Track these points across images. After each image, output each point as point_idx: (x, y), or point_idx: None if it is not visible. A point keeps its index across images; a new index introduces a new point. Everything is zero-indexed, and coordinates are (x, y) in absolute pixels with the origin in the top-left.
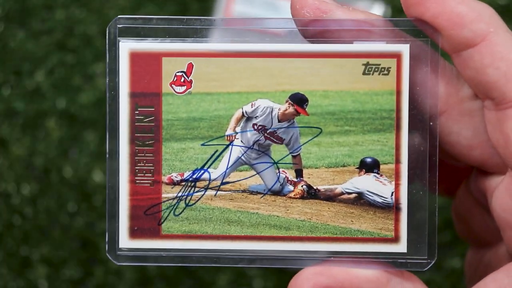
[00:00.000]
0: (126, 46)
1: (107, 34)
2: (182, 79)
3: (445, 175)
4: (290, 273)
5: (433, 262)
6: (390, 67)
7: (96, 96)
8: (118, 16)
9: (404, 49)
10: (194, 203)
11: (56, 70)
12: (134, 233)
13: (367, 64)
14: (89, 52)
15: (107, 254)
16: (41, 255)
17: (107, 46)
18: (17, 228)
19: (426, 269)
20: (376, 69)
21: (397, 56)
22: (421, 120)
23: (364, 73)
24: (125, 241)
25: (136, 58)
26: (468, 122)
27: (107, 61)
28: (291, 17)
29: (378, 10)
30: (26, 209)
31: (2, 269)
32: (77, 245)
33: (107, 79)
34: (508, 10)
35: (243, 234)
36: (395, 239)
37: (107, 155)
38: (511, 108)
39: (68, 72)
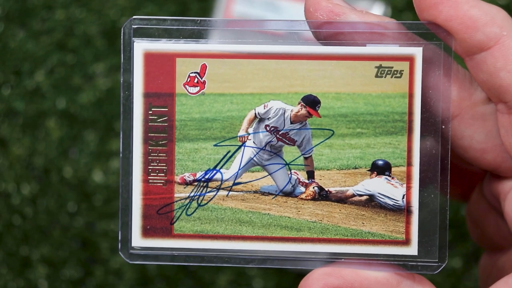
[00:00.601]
0: (141, 47)
1: (121, 34)
2: (196, 80)
3: (459, 179)
4: (290, 274)
5: (444, 265)
6: (403, 70)
7: (96, 96)
8: (133, 17)
9: (417, 52)
10: (206, 203)
11: (56, 70)
12: (147, 232)
13: (379, 67)
14: (89, 52)
15: (119, 253)
16: (41, 255)
17: (121, 46)
18: (17, 228)
19: (436, 272)
20: (389, 72)
21: (410, 59)
22: (433, 123)
23: (376, 76)
24: (137, 240)
25: (150, 58)
26: (481, 126)
27: (122, 61)
28: (291, 18)
29: (378, 10)
30: (26, 209)
31: (2, 269)
32: (77, 245)
33: (121, 79)
34: (508, 10)
35: (254, 235)
36: (406, 242)
37: (121, 155)
38: None
39: (68, 72)
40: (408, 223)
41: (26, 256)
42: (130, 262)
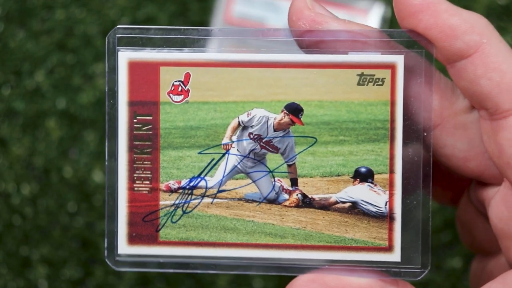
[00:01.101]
0: (125, 56)
1: (106, 43)
2: (180, 88)
3: (448, 184)
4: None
5: (427, 271)
6: (385, 78)
7: (96, 96)
8: (117, 26)
9: (398, 60)
10: (191, 211)
11: (56, 70)
12: (133, 239)
13: (361, 75)
14: (89, 52)
15: (106, 260)
16: (41, 255)
17: (106, 55)
18: (17, 228)
19: (419, 278)
20: (371, 80)
21: (392, 67)
22: (415, 130)
23: (358, 84)
24: (123, 247)
25: (134, 67)
26: (463, 135)
27: (106, 70)
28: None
29: (377, 10)
30: (26, 209)
31: (2, 269)
32: (77, 245)
33: (106, 88)
34: (508, 10)
35: (239, 242)
36: (389, 248)
37: (106, 162)
38: (504, 119)
39: (68, 72)
40: (391, 229)
41: (26, 256)
42: (117, 269)
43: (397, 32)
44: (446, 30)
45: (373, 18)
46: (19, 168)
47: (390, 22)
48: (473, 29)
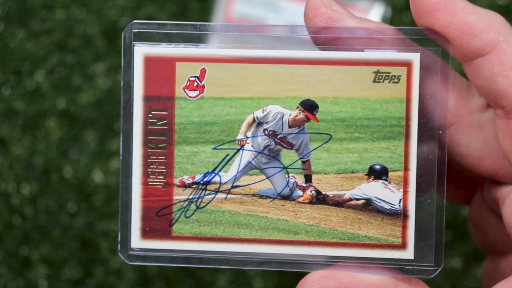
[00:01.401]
0: (141, 50)
1: (122, 38)
2: (195, 84)
3: (461, 183)
4: (290, 274)
5: (440, 269)
6: (401, 75)
7: (96, 96)
8: (134, 21)
9: (414, 57)
10: (205, 206)
11: (56, 70)
12: (146, 233)
13: (377, 72)
14: (89, 52)
15: (119, 254)
16: (41, 255)
17: (122, 49)
18: (17, 228)
19: (432, 276)
20: (387, 77)
21: (408, 64)
22: (430, 128)
23: (374, 81)
24: (136, 241)
25: (150, 62)
26: (478, 134)
27: (122, 64)
28: (291, 18)
29: (377, 10)
30: (26, 209)
31: (2, 269)
32: (77, 245)
33: (122, 82)
34: (508, 10)
35: (252, 237)
36: (402, 246)
37: (121, 157)
38: None
39: (68, 72)
40: (404, 227)
41: (26, 256)
42: (129, 263)
43: (413, 30)
44: (463, 28)
45: (373, 18)
46: (19, 168)
47: (390, 22)
48: (490, 27)
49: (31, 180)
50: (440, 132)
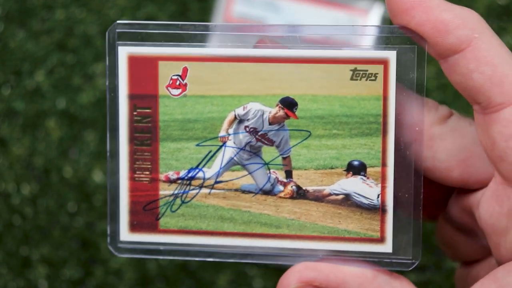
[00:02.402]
0: (125, 50)
1: (106, 38)
2: (178, 82)
3: (427, 200)
4: None
5: (417, 262)
6: (377, 73)
7: (96, 96)
8: (117, 22)
9: (391, 55)
10: (190, 200)
11: (56, 70)
12: (134, 227)
13: (354, 70)
14: (89, 52)
15: (108, 247)
16: (41, 255)
17: (106, 49)
18: (17, 228)
19: (410, 269)
20: (364, 75)
21: (384, 62)
22: (407, 125)
23: (351, 79)
24: (125, 234)
25: (134, 61)
26: (440, 146)
27: (107, 64)
28: (291, 18)
29: (377, 10)
30: (26, 209)
31: (2, 269)
32: (77, 245)
33: (107, 81)
34: (508, 10)
35: (235, 231)
36: (381, 240)
37: (108, 154)
38: (496, 112)
39: (68, 72)
40: (382, 221)
41: (26, 256)
42: (119, 255)
43: (390, 28)
44: (438, 26)
45: (373, 18)
46: (19, 168)
47: (390, 22)
48: (465, 24)
49: (31, 180)
50: (417, 128)
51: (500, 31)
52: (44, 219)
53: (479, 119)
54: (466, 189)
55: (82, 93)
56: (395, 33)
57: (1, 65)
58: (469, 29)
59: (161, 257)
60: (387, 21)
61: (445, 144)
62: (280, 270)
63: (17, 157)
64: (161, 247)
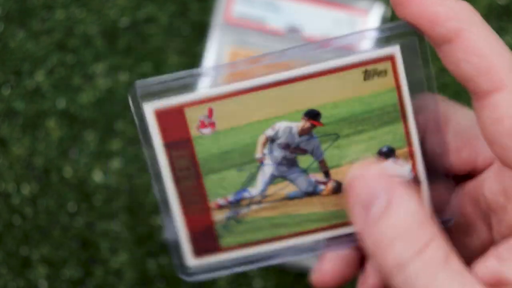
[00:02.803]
0: (151, 107)
1: (129, 100)
2: (206, 122)
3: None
4: (290, 274)
5: (453, 220)
6: (386, 69)
7: (96, 96)
8: (136, 82)
9: (395, 50)
10: (243, 219)
11: (56, 70)
12: (198, 252)
13: (365, 71)
14: (89, 52)
15: (181, 276)
16: (41, 255)
17: (133, 110)
18: (16, 228)
19: (449, 225)
20: (375, 73)
21: (391, 58)
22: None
23: (365, 79)
24: (191, 261)
25: (161, 114)
26: (449, 127)
27: (137, 123)
28: (292, 19)
29: (378, 10)
30: (26, 209)
31: (1, 269)
32: (77, 245)
33: (141, 136)
34: (508, 10)
35: (290, 233)
36: None
37: (160, 198)
38: (484, 99)
39: (68, 72)
40: (418, 191)
41: (26, 256)
42: (192, 280)
43: (390, 26)
44: (431, 18)
45: (373, 18)
46: (19, 168)
47: (390, 21)
48: (454, 16)
49: (31, 180)
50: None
51: (500, 31)
52: (44, 219)
53: (474, 105)
54: (472, 177)
55: (82, 93)
56: (394, 30)
57: (1, 65)
58: (458, 21)
59: (228, 272)
60: (387, 20)
61: (453, 125)
62: (280, 270)
63: (17, 157)
64: (226, 264)
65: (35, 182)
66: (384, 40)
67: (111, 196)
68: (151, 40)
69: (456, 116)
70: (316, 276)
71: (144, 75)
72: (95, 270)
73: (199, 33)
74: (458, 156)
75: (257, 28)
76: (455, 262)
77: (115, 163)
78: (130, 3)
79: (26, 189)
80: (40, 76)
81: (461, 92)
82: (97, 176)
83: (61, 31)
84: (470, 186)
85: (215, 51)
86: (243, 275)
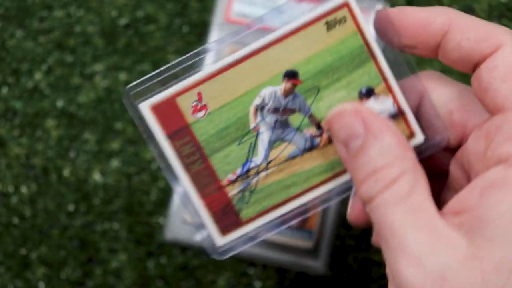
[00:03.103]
0: (145, 105)
1: (124, 103)
2: (198, 106)
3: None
4: (290, 273)
5: (447, 139)
6: (345, 16)
7: (95, 95)
8: (127, 86)
9: None
10: (255, 188)
11: (55, 70)
12: (223, 230)
13: (327, 23)
14: (88, 51)
15: (212, 257)
16: (40, 255)
17: (131, 113)
18: (15, 228)
19: (443, 146)
20: (336, 22)
21: (346, 5)
22: (388, 42)
23: (328, 30)
24: (220, 240)
25: (156, 109)
26: (439, 92)
27: (138, 123)
28: (291, 17)
29: (378, 9)
30: (25, 209)
31: (0, 270)
32: (76, 245)
33: (144, 135)
34: (509, 8)
35: (301, 190)
36: (412, 135)
37: (175, 189)
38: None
39: (67, 72)
40: (406, 120)
41: (25, 256)
42: (224, 258)
43: None
44: (421, 22)
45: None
46: (18, 168)
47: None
48: (441, 13)
49: (29, 180)
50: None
51: None
52: (43, 219)
53: (474, 75)
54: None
55: (81, 93)
56: None
57: None
58: (446, 13)
59: (255, 242)
60: None
61: (442, 89)
62: (280, 270)
63: (15, 157)
64: (251, 234)
65: (33, 182)
66: None
67: (110, 196)
68: (151, 40)
69: (449, 85)
70: (350, 213)
71: (144, 75)
72: (94, 270)
73: (198, 32)
74: (450, 119)
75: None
76: (417, 198)
77: (114, 163)
78: (129, 2)
79: (24, 189)
80: (38, 76)
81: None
82: (96, 176)
83: (60, 30)
84: (459, 152)
85: (215, 50)
86: (243, 275)
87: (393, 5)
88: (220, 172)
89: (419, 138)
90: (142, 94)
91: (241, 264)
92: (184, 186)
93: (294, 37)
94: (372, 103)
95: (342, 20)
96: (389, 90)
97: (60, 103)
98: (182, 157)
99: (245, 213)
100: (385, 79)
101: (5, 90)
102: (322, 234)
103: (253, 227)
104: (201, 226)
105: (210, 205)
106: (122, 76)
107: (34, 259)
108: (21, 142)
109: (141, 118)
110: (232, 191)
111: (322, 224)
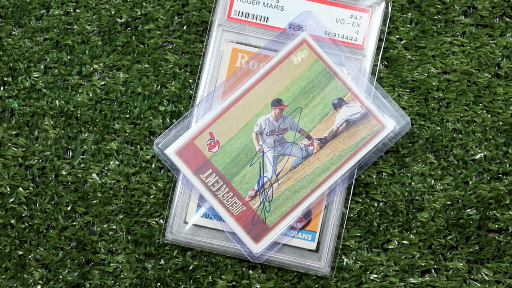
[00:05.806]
0: (171, 151)
1: (155, 153)
2: (213, 143)
3: None
4: (290, 273)
5: (410, 121)
6: (305, 49)
7: (93, 95)
8: (155, 141)
9: (305, 35)
10: (272, 197)
11: (53, 69)
12: (256, 239)
13: (293, 58)
14: (86, 50)
15: (254, 263)
16: (37, 256)
17: (162, 161)
18: (12, 229)
19: (409, 129)
20: (300, 56)
21: (304, 41)
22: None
23: (296, 63)
24: (255, 248)
25: (181, 152)
26: None
27: (169, 167)
28: (292, 16)
29: (379, 9)
30: (22, 210)
31: None
32: (74, 246)
33: (177, 176)
34: (511, 7)
35: (309, 191)
36: (383, 128)
37: (208, 212)
38: None
39: (65, 71)
40: (375, 117)
41: (22, 257)
42: (263, 261)
43: (290, 30)
44: None
45: (375, 17)
46: (15, 168)
47: (391, 22)
48: None
49: (27, 181)
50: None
51: (504, 28)
52: (40, 220)
53: None
54: None
55: (79, 92)
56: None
57: None
58: None
59: (284, 240)
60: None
61: None
62: (280, 270)
63: (12, 157)
64: (279, 235)
65: (31, 183)
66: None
67: (108, 197)
68: (150, 38)
69: None
70: None
71: (143, 75)
72: (92, 272)
73: (198, 31)
74: None
75: (258, 26)
76: None
77: (113, 163)
78: (128, 0)
79: (21, 190)
80: (36, 75)
81: (461, 93)
82: (94, 176)
83: (58, 29)
84: None
85: (215, 49)
86: (243, 275)
87: (394, 5)
88: (242, 191)
89: (390, 127)
90: (167, 143)
91: (241, 264)
92: (216, 209)
93: (271, 75)
94: (344, 111)
95: (304, 53)
96: (355, 96)
97: (57, 103)
98: (209, 186)
99: (269, 220)
100: (349, 89)
101: (1, 89)
102: (325, 235)
103: (279, 229)
104: (238, 240)
105: (240, 221)
106: (121, 75)
107: (31, 260)
108: (18, 142)
109: (170, 162)
110: (255, 204)
111: (324, 225)
